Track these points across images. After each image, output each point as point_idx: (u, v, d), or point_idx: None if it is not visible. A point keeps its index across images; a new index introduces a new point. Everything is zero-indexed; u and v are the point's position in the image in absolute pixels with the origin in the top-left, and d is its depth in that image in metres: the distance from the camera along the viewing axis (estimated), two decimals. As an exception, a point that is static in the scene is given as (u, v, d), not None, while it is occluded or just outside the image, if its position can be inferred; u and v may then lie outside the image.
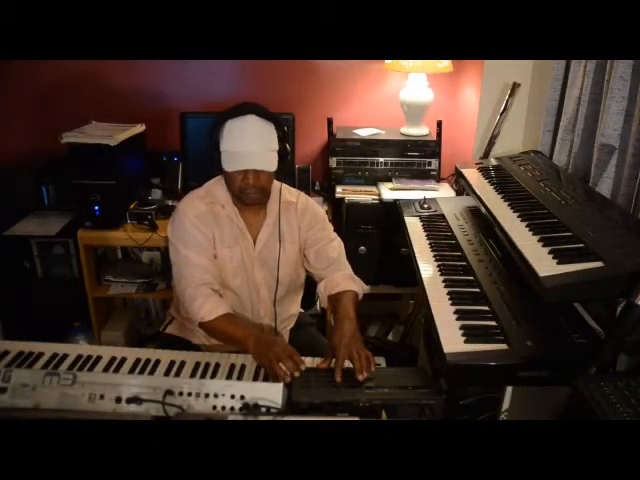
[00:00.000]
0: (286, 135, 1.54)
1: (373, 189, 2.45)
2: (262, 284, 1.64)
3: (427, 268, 1.68)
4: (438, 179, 2.51)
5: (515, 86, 2.20)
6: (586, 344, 1.25)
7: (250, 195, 1.51)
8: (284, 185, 1.64)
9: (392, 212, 2.28)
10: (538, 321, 1.32)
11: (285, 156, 1.54)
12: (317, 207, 1.70)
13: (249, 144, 1.45)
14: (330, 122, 2.55)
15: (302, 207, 1.65)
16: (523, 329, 1.30)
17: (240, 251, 1.60)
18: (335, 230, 1.72)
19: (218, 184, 1.60)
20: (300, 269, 1.72)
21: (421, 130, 2.55)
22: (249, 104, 1.49)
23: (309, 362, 1.42)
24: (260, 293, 1.65)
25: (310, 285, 1.77)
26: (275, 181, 1.60)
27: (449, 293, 1.51)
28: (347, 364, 1.32)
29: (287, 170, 2.44)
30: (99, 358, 1.43)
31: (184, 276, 1.52)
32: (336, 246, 1.67)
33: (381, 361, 1.55)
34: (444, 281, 1.58)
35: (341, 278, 1.60)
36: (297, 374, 1.25)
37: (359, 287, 1.61)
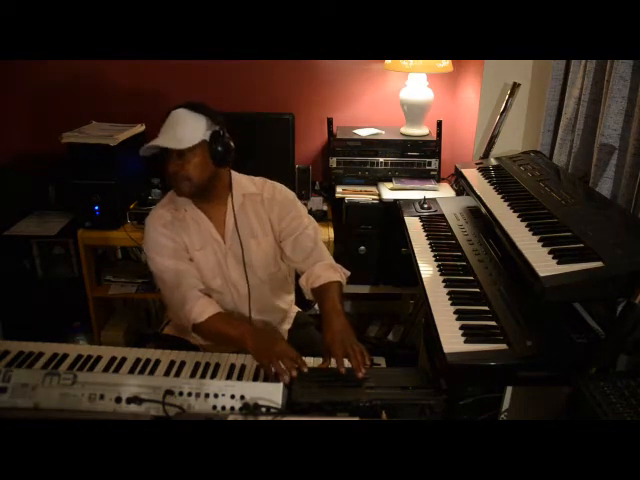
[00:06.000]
0: (223, 128, 1.50)
1: (373, 189, 2.45)
2: (239, 282, 1.62)
3: (427, 268, 1.68)
4: (438, 179, 2.51)
5: (515, 86, 2.19)
6: (586, 344, 1.25)
7: (177, 183, 1.50)
8: (243, 177, 1.63)
9: (392, 212, 2.27)
10: (538, 321, 1.32)
11: (225, 150, 1.50)
12: (285, 192, 1.65)
13: (166, 129, 1.47)
14: (330, 122, 2.55)
15: (268, 197, 1.62)
16: (523, 329, 1.29)
17: (213, 251, 1.59)
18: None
19: None
20: (280, 262, 1.69)
21: (421, 130, 2.55)
22: (186, 102, 1.49)
23: (309, 362, 1.42)
24: (239, 291, 1.64)
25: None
26: (233, 173, 1.61)
27: (449, 293, 1.51)
28: (345, 362, 1.32)
29: (288, 169, 2.48)
30: (99, 358, 1.43)
31: (168, 284, 1.53)
32: (311, 233, 1.62)
33: (381, 361, 1.55)
34: (444, 281, 1.58)
35: (321, 269, 1.57)
36: (295, 373, 1.25)
37: (341, 275, 1.57)
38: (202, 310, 1.47)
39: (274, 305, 1.73)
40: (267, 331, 1.66)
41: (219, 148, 1.48)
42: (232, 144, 1.52)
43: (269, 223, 1.63)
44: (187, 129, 1.45)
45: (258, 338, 1.39)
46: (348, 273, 1.62)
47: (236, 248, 1.60)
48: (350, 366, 1.30)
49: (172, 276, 1.52)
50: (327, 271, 1.57)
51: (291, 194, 1.67)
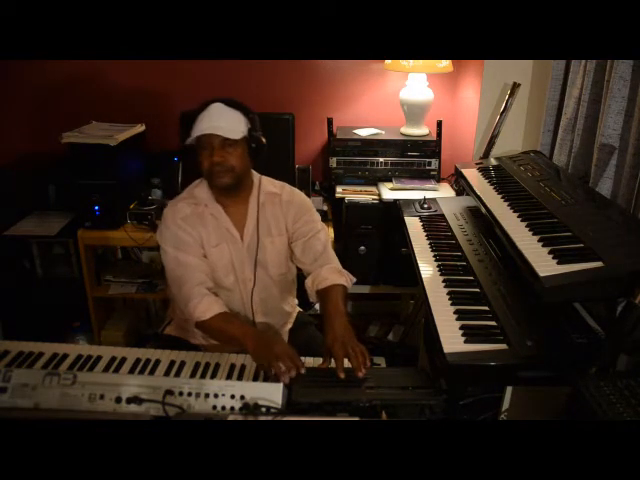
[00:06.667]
0: (257, 126, 1.54)
1: (373, 189, 2.45)
2: (251, 281, 1.64)
3: (427, 268, 1.68)
4: (438, 179, 2.51)
5: (515, 86, 2.19)
6: (586, 344, 1.25)
7: (219, 174, 1.50)
8: (264, 177, 1.66)
9: (392, 212, 2.27)
10: (538, 321, 1.32)
11: (258, 147, 1.54)
12: (303, 197, 1.69)
13: (210, 119, 1.47)
14: (330, 122, 2.55)
15: (287, 199, 1.65)
16: (523, 329, 1.30)
17: (228, 248, 1.60)
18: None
19: (199, 186, 1.61)
20: (290, 263, 1.71)
21: (421, 130, 2.55)
22: (219, 97, 1.52)
23: (309, 362, 1.42)
24: (250, 288, 1.64)
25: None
26: (255, 173, 1.64)
27: (449, 293, 1.51)
28: (345, 362, 1.32)
29: (288, 169, 2.48)
30: (99, 358, 1.43)
31: (177, 278, 1.53)
32: (322, 238, 1.65)
33: (381, 361, 1.56)
34: (444, 281, 1.58)
35: (328, 272, 1.59)
36: (294, 373, 1.25)
37: (347, 280, 1.59)
38: (207, 308, 1.47)
39: (280, 307, 1.75)
40: (268, 333, 1.67)
41: (256, 145, 1.53)
42: (265, 141, 1.56)
43: (284, 223, 1.65)
44: (233, 122, 1.49)
45: (259, 340, 1.39)
46: (354, 279, 1.64)
47: (253, 246, 1.62)
48: (350, 366, 1.30)
49: (183, 271, 1.52)
50: (333, 274, 1.58)
51: (308, 200, 1.71)
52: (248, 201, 1.62)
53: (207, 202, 1.59)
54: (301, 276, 1.75)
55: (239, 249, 1.61)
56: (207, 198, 1.59)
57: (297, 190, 1.70)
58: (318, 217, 1.70)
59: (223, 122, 1.48)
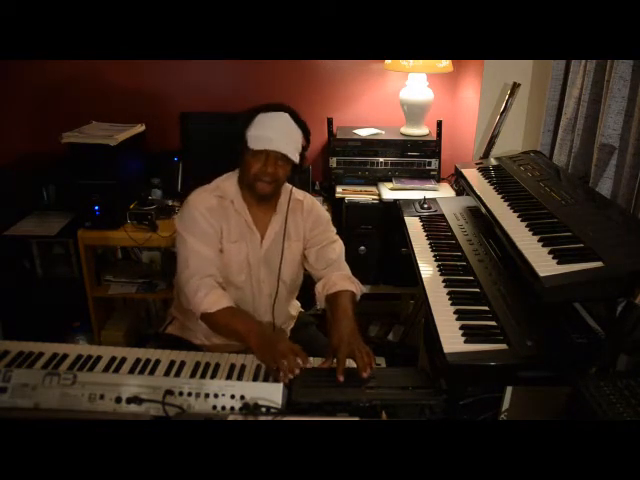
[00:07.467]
0: (308, 147, 1.58)
1: (373, 189, 2.45)
2: (265, 282, 1.64)
3: (427, 268, 1.68)
4: (438, 179, 2.51)
5: (515, 86, 2.19)
6: (586, 344, 1.25)
7: (264, 182, 1.52)
8: (294, 187, 1.69)
9: (392, 212, 2.27)
10: (538, 321, 1.32)
11: (302, 166, 1.59)
12: (322, 210, 1.73)
13: (277, 131, 1.49)
14: (330, 122, 2.55)
15: (308, 207, 1.68)
16: (523, 329, 1.30)
17: (246, 246, 1.60)
18: (335, 230, 1.73)
19: (228, 180, 1.62)
20: (301, 269, 1.73)
21: (421, 130, 2.55)
22: (285, 105, 1.54)
23: (309, 362, 1.42)
24: (262, 291, 1.65)
25: (310, 285, 1.77)
26: (287, 184, 1.65)
27: (449, 293, 1.51)
28: (348, 362, 1.32)
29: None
30: (99, 358, 1.43)
31: (189, 267, 1.52)
32: (337, 248, 1.68)
33: (381, 361, 1.56)
34: (444, 281, 1.58)
35: (339, 278, 1.61)
36: (297, 372, 1.25)
37: (357, 288, 1.62)
38: (215, 300, 1.47)
39: (287, 310, 1.77)
40: (272, 331, 1.68)
41: (301, 164, 1.58)
42: (307, 162, 1.62)
43: (303, 230, 1.67)
44: (295, 141, 1.52)
45: (262, 337, 1.40)
46: (364, 289, 1.65)
47: (272, 250, 1.63)
48: (354, 366, 1.30)
49: (196, 260, 1.52)
50: (344, 281, 1.60)
51: (327, 214, 1.75)
52: (274, 205, 1.63)
53: (234, 198, 1.59)
54: (307, 278, 1.76)
55: (257, 249, 1.61)
56: (234, 194, 1.59)
57: (317, 202, 1.73)
58: (334, 230, 1.73)
59: (287, 139, 1.50)
